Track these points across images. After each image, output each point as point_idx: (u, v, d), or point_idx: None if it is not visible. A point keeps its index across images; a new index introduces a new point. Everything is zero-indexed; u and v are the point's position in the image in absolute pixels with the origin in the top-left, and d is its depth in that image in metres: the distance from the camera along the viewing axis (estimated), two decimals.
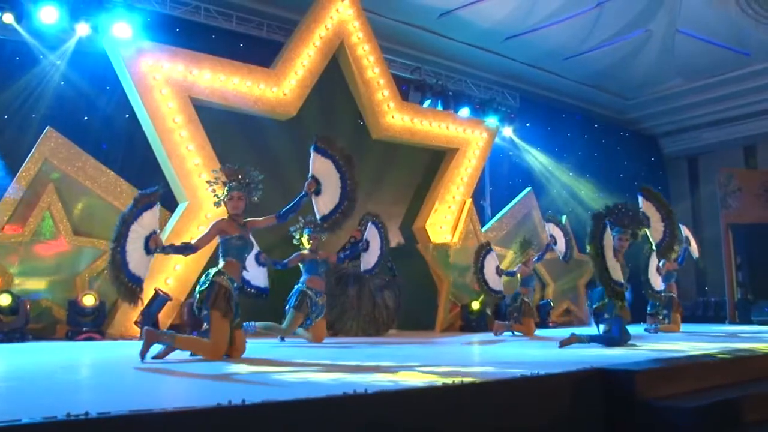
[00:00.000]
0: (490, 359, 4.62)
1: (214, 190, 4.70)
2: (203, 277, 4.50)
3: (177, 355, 4.38)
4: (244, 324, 5.84)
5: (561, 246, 8.66)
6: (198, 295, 4.41)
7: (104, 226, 7.41)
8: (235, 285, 4.50)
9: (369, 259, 7.41)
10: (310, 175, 5.06)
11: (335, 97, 9.69)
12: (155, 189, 4.47)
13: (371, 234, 7.49)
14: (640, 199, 6.46)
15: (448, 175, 10.51)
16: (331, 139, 5.24)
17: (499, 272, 8.28)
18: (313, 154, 5.12)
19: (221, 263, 4.55)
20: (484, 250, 8.39)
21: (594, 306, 5.91)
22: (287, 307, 6.47)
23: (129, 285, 4.24)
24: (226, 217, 4.70)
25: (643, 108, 14.12)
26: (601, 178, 12.92)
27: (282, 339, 6.56)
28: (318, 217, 5.09)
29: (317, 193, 5.04)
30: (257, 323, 6.39)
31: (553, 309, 8.51)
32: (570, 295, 11.79)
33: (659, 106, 13.88)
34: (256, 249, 6.20)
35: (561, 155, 12.80)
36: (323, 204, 5.05)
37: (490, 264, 8.29)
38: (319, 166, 5.10)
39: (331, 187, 5.08)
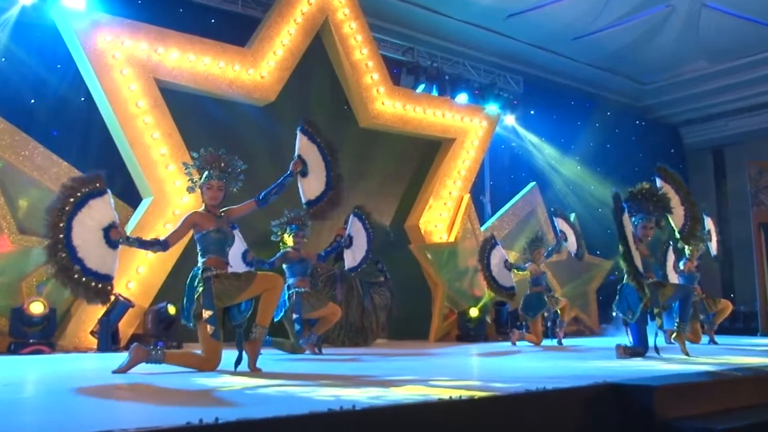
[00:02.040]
0: (490, 372, 4.62)
1: (190, 174, 4.68)
2: (193, 281, 4.44)
3: (145, 368, 4.33)
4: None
5: (572, 241, 8.70)
6: (195, 303, 4.35)
7: None
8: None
9: (354, 256, 7.36)
10: (296, 154, 5.13)
11: (319, 81, 9.65)
12: (95, 174, 4.42)
13: (355, 228, 7.43)
14: (658, 180, 6.48)
15: (443, 167, 10.52)
16: (317, 124, 5.36)
17: (508, 266, 8.33)
18: (299, 134, 5.22)
19: (201, 262, 4.53)
20: (489, 244, 8.45)
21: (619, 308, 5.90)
22: (295, 316, 6.62)
23: (94, 284, 4.18)
24: (199, 209, 4.68)
25: (662, 94, 14.17)
26: (613, 172, 12.89)
27: (319, 351, 6.74)
28: (303, 201, 5.15)
29: (303, 174, 5.12)
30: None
31: (562, 328, 8.58)
32: (579, 302, 11.82)
33: (680, 91, 13.92)
34: (243, 246, 6.22)
35: (569, 146, 12.83)
36: (309, 188, 5.12)
37: (497, 258, 8.33)
38: (305, 148, 5.19)
39: (317, 172, 5.17)
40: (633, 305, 5.72)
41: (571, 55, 12.47)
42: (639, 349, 5.69)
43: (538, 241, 8.49)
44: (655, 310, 5.76)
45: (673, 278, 8.23)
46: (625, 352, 5.64)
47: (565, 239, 8.68)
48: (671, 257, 8.18)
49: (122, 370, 4.17)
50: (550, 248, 8.67)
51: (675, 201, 6.33)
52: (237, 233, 5.65)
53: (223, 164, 4.66)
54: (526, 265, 8.44)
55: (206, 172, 4.63)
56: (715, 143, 15.07)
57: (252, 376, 4.20)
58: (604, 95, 13.79)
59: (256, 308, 4.60)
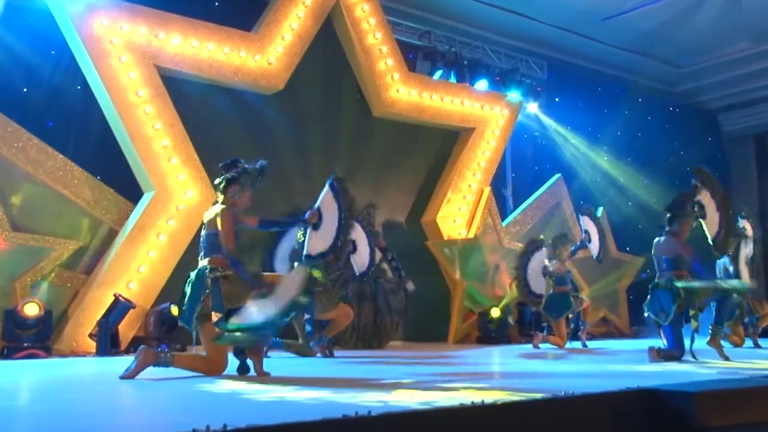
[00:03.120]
0: (513, 376, 4.60)
1: (245, 177, 4.80)
2: (200, 280, 4.45)
3: (146, 372, 4.35)
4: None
5: (595, 243, 8.69)
6: (201, 304, 4.37)
7: (51, 219, 7.38)
8: None
9: (360, 260, 7.61)
10: (316, 206, 5.40)
11: (330, 68, 9.62)
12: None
13: (356, 234, 7.61)
14: (694, 182, 6.44)
15: (462, 159, 10.49)
16: (346, 185, 5.59)
17: (546, 273, 8.33)
18: (327, 188, 5.49)
19: (206, 261, 4.55)
20: (535, 246, 8.49)
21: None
22: (307, 317, 6.66)
23: None
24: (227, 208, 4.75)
25: (700, 77, 13.97)
26: (645, 163, 12.83)
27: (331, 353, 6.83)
28: (304, 252, 5.39)
29: (315, 227, 5.36)
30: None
31: (585, 329, 8.59)
32: (608, 301, 11.76)
33: (719, 74, 13.69)
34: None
35: (597, 135, 12.74)
36: (315, 242, 5.35)
37: (536, 262, 8.37)
38: (327, 203, 5.45)
39: (326, 231, 5.39)
40: (666, 306, 5.67)
41: (599, 38, 12.34)
42: (674, 352, 5.64)
43: (563, 238, 8.45)
44: (691, 312, 5.71)
45: (745, 275, 8.12)
46: (659, 356, 5.59)
47: (589, 240, 8.69)
48: (745, 251, 8.06)
49: (130, 375, 4.18)
50: (573, 247, 8.63)
51: (711, 207, 6.29)
52: None
53: (260, 176, 4.91)
54: (553, 262, 8.41)
55: (256, 183, 4.85)
56: (758, 130, 14.79)
57: (260, 380, 4.21)
58: (636, 80, 13.60)
59: None
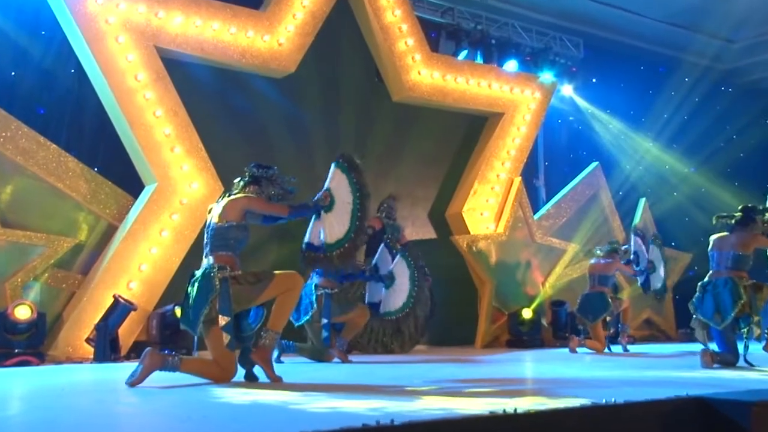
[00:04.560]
0: (548, 382, 4.58)
1: (252, 188, 4.85)
2: (207, 281, 4.46)
3: (153, 380, 4.35)
4: (283, 342, 6.45)
5: (660, 275, 8.70)
6: (208, 306, 4.38)
7: (44, 215, 7.42)
8: None
9: (393, 300, 7.60)
10: (326, 187, 5.43)
11: (345, 49, 9.64)
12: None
13: (399, 268, 7.68)
14: None
15: (490, 147, 10.46)
16: (356, 163, 5.66)
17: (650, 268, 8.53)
18: (334, 168, 5.53)
19: (212, 258, 4.55)
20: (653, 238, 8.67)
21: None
22: (324, 321, 6.69)
23: None
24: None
25: (755, 53, 13.79)
26: (693, 149, 12.71)
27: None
28: (305, 239, 5.39)
29: (327, 209, 5.36)
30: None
31: (625, 332, 8.57)
32: (652, 301, 11.64)
33: None
34: None
35: (639, 119, 12.69)
36: (323, 228, 5.33)
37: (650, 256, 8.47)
38: (337, 183, 5.49)
39: (342, 212, 5.42)
40: (724, 308, 5.57)
41: (640, 11, 12.25)
42: (730, 357, 5.55)
43: (619, 249, 8.49)
44: (755, 318, 5.59)
45: None
46: (713, 360, 5.50)
47: (653, 270, 8.64)
48: None
49: (136, 381, 4.17)
50: (635, 268, 8.59)
51: None
52: None
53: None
54: (597, 259, 8.39)
55: (271, 196, 4.90)
56: None
57: (272, 387, 4.20)
58: (682, 57, 13.45)
59: (267, 314, 4.63)
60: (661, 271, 8.65)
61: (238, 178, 4.90)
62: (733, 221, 5.88)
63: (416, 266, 7.89)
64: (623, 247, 8.76)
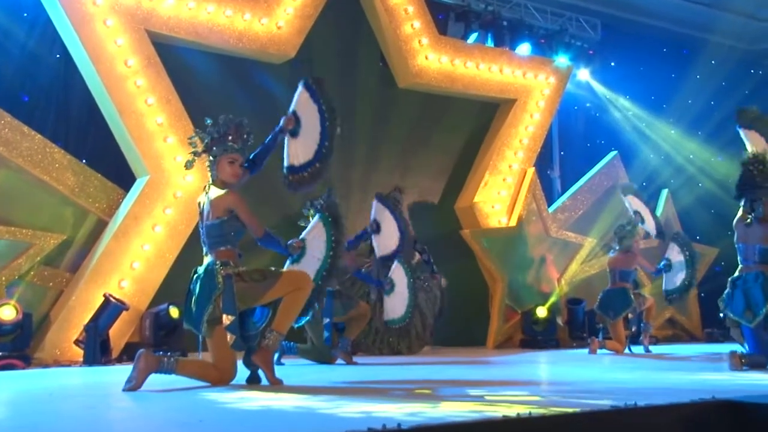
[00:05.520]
0: (565, 384, 4.57)
1: (195, 144, 4.74)
2: (211, 278, 4.45)
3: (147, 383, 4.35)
4: (284, 343, 6.41)
5: (650, 221, 8.74)
6: (212, 305, 4.38)
7: (29, 209, 7.41)
8: None
9: (386, 242, 7.80)
10: (291, 109, 5.32)
11: (348, 32, 9.64)
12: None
13: (378, 212, 7.88)
14: (742, 132, 6.32)
15: (502, 135, 10.45)
16: (325, 85, 5.57)
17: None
18: (300, 89, 5.43)
19: (211, 254, 4.54)
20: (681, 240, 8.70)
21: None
22: (326, 321, 6.73)
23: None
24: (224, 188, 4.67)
25: None
26: (720, 137, 12.58)
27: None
28: (285, 164, 5.29)
29: (293, 134, 5.26)
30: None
31: (648, 332, 8.56)
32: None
33: None
34: None
35: (660, 105, 12.64)
36: (296, 151, 5.30)
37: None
38: (302, 104, 5.39)
39: (309, 137, 5.35)
40: (755, 305, 5.53)
41: None
42: (760, 358, 5.51)
43: (630, 228, 8.41)
44: None
45: None
46: (743, 362, 5.47)
47: (642, 221, 8.71)
48: None
49: (135, 386, 4.16)
50: (651, 268, 8.66)
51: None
52: None
53: (245, 134, 4.75)
54: (615, 252, 8.39)
55: (228, 144, 4.67)
56: None
57: (274, 390, 4.19)
58: (708, 38, 13.33)
59: (273, 314, 4.61)
60: (680, 274, 8.57)
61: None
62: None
63: (414, 273, 7.95)
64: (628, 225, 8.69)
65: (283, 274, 4.58)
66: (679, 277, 8.54)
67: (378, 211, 8.17)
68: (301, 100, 5.40)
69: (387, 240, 8.09)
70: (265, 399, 3.70)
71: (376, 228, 8.03)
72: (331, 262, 5.55)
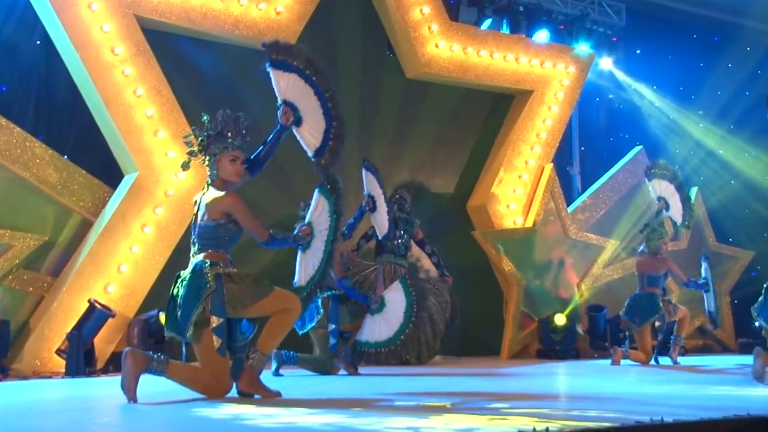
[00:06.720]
0: (586, 397, 4.57)
1: (191, 143, 4.73)
2: (198, 278, 4.45)
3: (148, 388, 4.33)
4: (283, 352, 6.53)
5: (676, 208, 8.70)
6: (201, 306, 4.37)
7: (7, 209, 7.41)
8: None
9: (381, 221, 7.61)
10: (279, 101, 5.16)
11: (352, 18, 9.64)
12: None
13: (370, 183, 7.67)
14: None
15: (517, 129, 10.45)
16: (288, 47, 5.35)
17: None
18: (271, 72, 5.18)
19: (201, 256, 4.54)
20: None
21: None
22: (332, 327, 6.76)
23: None
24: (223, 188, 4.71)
25: None
26: (754, 130, 12.56)
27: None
28: (310, 153, 5.23)
29: (297, 122, 5.16)
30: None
31: (678, 345, 8.53)
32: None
33: None
34: None
35: (689, 97, 12.62)
36: (310, 133, 5.22)
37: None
38: (286, 86, 5.23)
39: (311, 110, 5.25)
40: None
41: None
42: None
43: (659, 228, 8.40)
44: None
45: None
46: None
47: (666, 207, 8.69)
48: None
49: (131, 395, 4.16)
50: (684, 278, 8.62)
51: None
52: None
53: (244, 130, 4.77)
54: (643, 255, 8.40)
55: (227, 141, 4.69)
56: None
57: (286, 404, 4.18)
58: (741, 23, 13.33)
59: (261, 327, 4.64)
60: (677, 204, 8.71)
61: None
62: None
63: (417, 296, 7.41)
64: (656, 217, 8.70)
65: (276, 290, 4.59)
66: (679, 207, 8.71)
67: (369, 182, 7.74)
68: (280, 83, 5.21)
69: (382, 218, 7.72)
70: (283, 415, 3.68)
71: (372, 205, 7.62)
72: (336, 226, 5.44)
